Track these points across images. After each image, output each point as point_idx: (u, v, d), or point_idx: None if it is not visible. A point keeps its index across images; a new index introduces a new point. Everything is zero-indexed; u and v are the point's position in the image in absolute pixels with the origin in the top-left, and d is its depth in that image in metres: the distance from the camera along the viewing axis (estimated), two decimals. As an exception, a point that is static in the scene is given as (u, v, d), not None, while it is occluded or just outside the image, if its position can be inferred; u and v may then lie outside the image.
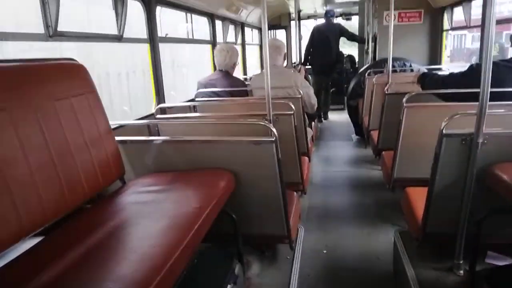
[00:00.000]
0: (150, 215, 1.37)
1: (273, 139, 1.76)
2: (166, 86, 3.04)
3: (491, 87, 1.53)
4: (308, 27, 8.25)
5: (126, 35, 2.53)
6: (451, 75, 2.77)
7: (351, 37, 6.96)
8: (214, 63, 3.50)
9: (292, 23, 7.33)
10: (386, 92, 3.34)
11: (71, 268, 1.05)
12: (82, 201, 1.46)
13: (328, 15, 6.70)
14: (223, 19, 4.67)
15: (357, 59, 7.98)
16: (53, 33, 1.86)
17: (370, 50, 6.05)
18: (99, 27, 2.82)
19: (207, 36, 4.28)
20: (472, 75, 2.49)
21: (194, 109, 3.06)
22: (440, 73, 3.79)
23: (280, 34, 7.67)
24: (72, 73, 1.61)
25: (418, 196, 2.02)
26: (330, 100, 7.38)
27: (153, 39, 2.84)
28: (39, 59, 1.64)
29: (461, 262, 1.80)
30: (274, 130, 1.79)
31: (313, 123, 4.28)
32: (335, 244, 2.76)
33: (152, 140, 1.98)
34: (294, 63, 7.24)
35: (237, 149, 1.84)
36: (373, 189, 3.72)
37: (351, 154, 5.14)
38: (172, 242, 1.16)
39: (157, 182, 1.71)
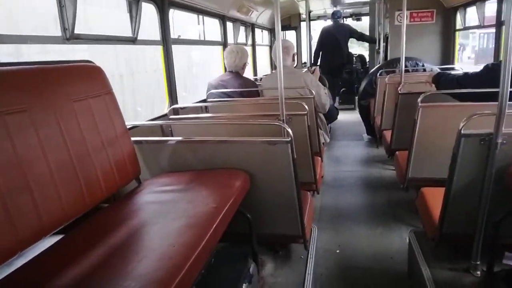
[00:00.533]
0: (167, 215, 1.39)
1: (288, 140, 1.76)
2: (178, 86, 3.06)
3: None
4: (316, 29, 8.23)
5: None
6: (467, 75, 2.74)
7: (360, 37, 6.94)
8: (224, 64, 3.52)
9: (302, 24, 7.32)
10: (399, 92, 3.31)
11: (92, 267, 1.07)
12: (99, 200, 1.49)
13: (335, 16, 6.67)
14: (234, 20, 4.69)
15: (367, 59, 7.93)
16: (70, 36, 1.89)
17: (381, 50, 6.01)
18: (111, 29, 2.85)
19: (218, 37, 4.30)
20: (488, 75, 2.47)
21: (206, 109, 3.08)
22: (453, 72, 3.75)
23: (290, 35, 7.67)
24: (90, 75, 1.64)
25: (434, 196, 2.00)
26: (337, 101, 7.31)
27: (166, 41, 2.86)
28: (58, 61, 1.68)
29: (478, 263, 1.78)
30: (289, 130, 1.79)
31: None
32: (348, 244, 2.74)
33: (167, 141, 2.00)
34: (305, 63, 7.24)
35: (251, 149, 1.84)
36: (386, 189, 3.69)
37: (362, 154, 5.11)
38: (190, 242, 1.17)
39: (173, 181, 1.73)
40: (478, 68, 2.65)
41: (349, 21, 8.54)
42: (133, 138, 1.81)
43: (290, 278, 2.04)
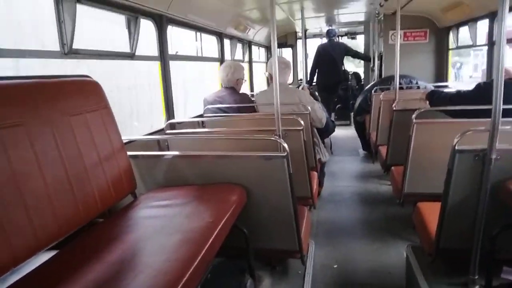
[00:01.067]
0: (163, 229, 1.37)
1: (284, 154, 1.76)
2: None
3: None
4: (312, 47, 8.35)
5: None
6: (459, 93, 2.81)
7: (355, 55, 7.12)
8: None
9: (298, 41, 7.44)
10: (394, 108, 3.35)
11: (87, 283, 1.05)
12: (95, 215, 1.47)
13: (330, 35, 6.79)
14: (231, 37, 4.75)
15: (362, 77, 8.05)
16: (68, 51, 1.90)
17: (376, 68, 6.11)
18: (109, 45, 2.87)
19: (215, 54, 4.35)
20: (479, 93, 2.55)
21: (202, 124, 3.09)
22: (446, 90, 3.81)
23: (286, 52, 7.78)
24: (87, 90, 1.65)
25: (430, 211, 2.00)
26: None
27: (164, 57, 2.89)
28: (55, 76, 1.68)
29: (476, 277, 1.77)
30: (285, 145, 1.80)
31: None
32: (345, 259, 2.72)
33: (163, 155, 2.00)
34: (300, 80, 7.32)
35: (248, 164, 1.84)
36: (382, 204, 3.69)
37: (358, 169, 5.12)
38: (186, 257, 1.16)
39: (169, 196, 1.72)
40: (464, 85, 2.74)
41: (344, 40, 8.71)
42: (129, 153, 1.80)
43: None
